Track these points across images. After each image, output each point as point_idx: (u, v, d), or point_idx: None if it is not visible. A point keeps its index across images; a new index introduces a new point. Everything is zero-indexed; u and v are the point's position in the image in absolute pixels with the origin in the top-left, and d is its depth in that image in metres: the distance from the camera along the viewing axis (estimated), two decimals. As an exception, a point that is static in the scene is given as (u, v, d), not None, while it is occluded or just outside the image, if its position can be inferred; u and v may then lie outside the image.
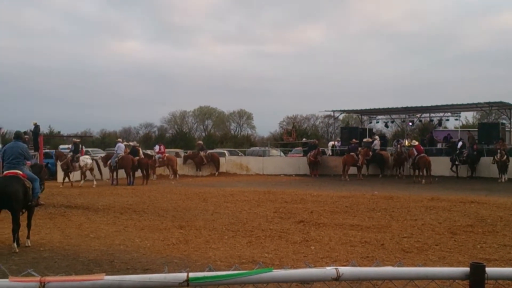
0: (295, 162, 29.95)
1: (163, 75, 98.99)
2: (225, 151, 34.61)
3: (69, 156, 21.71)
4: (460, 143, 24.37)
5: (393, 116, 32.74)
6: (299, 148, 35.67)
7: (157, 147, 27.79)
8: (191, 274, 2.11)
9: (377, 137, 28.82)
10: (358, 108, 31.56)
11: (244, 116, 71.07)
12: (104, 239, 8.81)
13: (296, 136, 43.81)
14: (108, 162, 22.53)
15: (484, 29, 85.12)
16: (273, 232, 9.40)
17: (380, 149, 27.16)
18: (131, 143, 26.14)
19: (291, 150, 37.59)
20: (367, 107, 30.80)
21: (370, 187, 19.27)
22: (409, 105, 29.87)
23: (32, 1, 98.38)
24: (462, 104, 27.53)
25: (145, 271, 6.54)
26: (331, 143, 33.13)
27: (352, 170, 25.31)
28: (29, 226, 8.44)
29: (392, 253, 7.60)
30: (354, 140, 26.45)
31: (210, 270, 2.19)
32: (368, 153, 25.68)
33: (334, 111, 32.55)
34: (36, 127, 25.31)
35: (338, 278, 2.24)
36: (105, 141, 57.72)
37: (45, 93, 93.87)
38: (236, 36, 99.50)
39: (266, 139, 51.98)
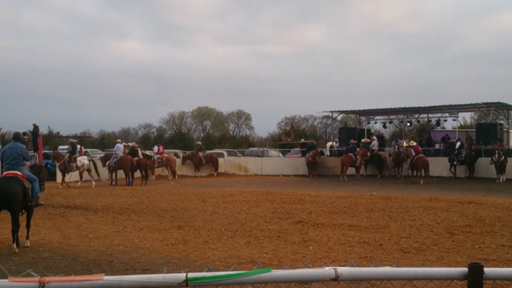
0: (294, 162, 29.96)
1: (163, 75, 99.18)
2: (224, 152, 34.62)
3: (66, 156, 21.69)
4: (458, 144, 24.40)
5: (391, 117, 32.74)
6: (298, 149, 35.70)
7: (156, 148, 27.78)
8: (190, 274, 2.11)
9: (375, 137, 28.83)
10: (357, 108, 31.57)
11: (242, 117, 71.13)
12: (103, 240, 8.80)
13: (294, 136, 43.90)
14: (107, 163, 22.52)
15: (484, 29, 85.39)
16: (271, 232, 9.40)
17: (378, 150, 27.17)
18: (130, 144, 26.13)
19: (289, 151, 37.61)
20: (367, 108, 30.80)
21: (368, 187, 19.28)
22: (408, 106, 29.89)
23: (32, 1, 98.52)
24: (460, 105, 27.55)
25: (144, 271, 6.54)
26: (329, 143, 33.15)
27: (351, 170, 25.34)
28: (28, 226, 8.44)
29: (390, 253, 7.61)
30: (352, 140, 26.45)
31: (209, 270, 2.20)
32: (366, 154, 25.71)
33: (332, 112, 32.55)
34: (35, 127, 25.28)
35: (336, 278, 2.24)
36: (104, 141, 57.71)
37: (45, 93, 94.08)
38: (236, 36, 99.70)
39: (264, 139, 51.97)
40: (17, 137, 9.02)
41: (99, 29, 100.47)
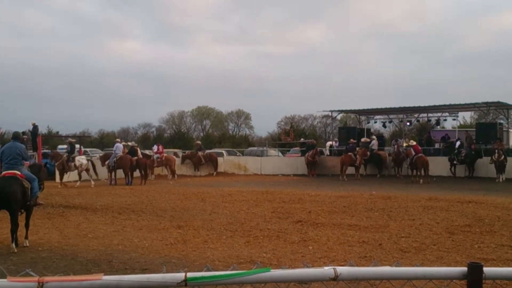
0: (293, 162, 29.96)
1: (163, 75, 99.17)
2: (223, 151, 34.61)
3: (64, 156, 21.68)
4: (458, 143, 24.41)
5: (391, 116, 32.74)
6: (297, 148, 35.69)
7: (155, 147, 27.76)
8: (189, 274, 2.11)
9: (374, 137, 28.84)
10: (357, 108, 31.57)
11: (242, 116, 71.13)
12: (103, 239, 8.80)
13: (294, 136, 43.91)
14: (107, 162, 22.50)
15: (484, 29, 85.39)
16: (271, 232, 9.40)
17: (378, 149, 27.17)
18: (130, 143, 26.11)
19: (289, 150, 37.61)
20: (367, 107, 30.80)
21: (368, 187, 19.28)
22: (407, 105, 29.90)
23: (32, 1, 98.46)
24: (460, 104, 27.54)
25: (144, 271, 6.54)
26: (329, 143, 33.15)
27: (350, 170, 25.34)
28: (27, 226, 8.44)
29: (390, 253, 7.61)
30: (352, 140, 26.46)
31: (208, 270, 2.20)
32: (366, 153, 25.71)
33: (332, 111, 32.56)
34: (35, 127, 25.28)
35: (336, 278, 2.24)
36: (104, 141, 57.66)
37: (45, 93, 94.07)
38: (236, 36, 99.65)
39: (264, 139, 52.02)
40: (16, 136, 9.01)
41: (99, 29, 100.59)
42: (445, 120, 30.97)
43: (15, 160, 8.26)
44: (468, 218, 10.74)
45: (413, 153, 22.57)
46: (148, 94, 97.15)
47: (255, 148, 41.50)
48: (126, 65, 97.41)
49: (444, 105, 28.04)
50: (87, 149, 38.69)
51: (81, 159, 21.78)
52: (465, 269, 2.37)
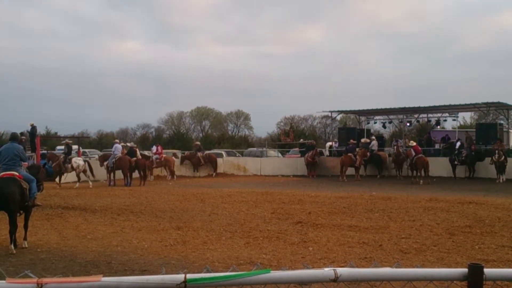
0: (293, 163, 29.96)
1: (163, 76, 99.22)
2: (223, 152, 34.61)
3: (61, 157, 21.67)
4: (458, 144, 24.42)
5: (391, 117, 32.74)
6: (297, 149, 35.69)
7: (154, 148, 27.78)
8: (189, 276, 2.10)
9: (374, 137, 28.84)
10: (357, 108, 31.57)
11: (241, 117, 71.14)
12: (102, 240, 8.79)
13: (293, 137, 43.89)
14: (106, 163, 22.50)
15: (484, 29, 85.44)
16: (271, 233, 9.39)
17: (378, 150, 27.18)
18: (129, 144, 26.11)
19: (288, 151, 37.61)
20: (367, 108, 30.81)
21: (368, 187, 19.28)
22: (407, 106, 29.90)
23: (32, 1, 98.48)
24: (460, 105, 27.56)
25: (143, 272, 6.53)
26: (328, 143, 33.15)
27: (350, 170, 25.34)
28: (26, 227, 8.43)
29: (390, 254, 7.60)
30: (352, 140, 26.46)
31: (208, 271, 2.19)
32: (366, 154, 25.72)
33: (331, 112, 32.58)
34: (33, 128, 25.28)
35: (336, 279, 2.23)
36: (102, 142, 57.73)
37: (45, 93, 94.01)
38: (236, 36, 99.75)
39: (263, 139, 51.95)
40: (14, 137, 9.03)
41: (99, 29, 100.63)
42: (445, 120, 30.98)
43: (13, 161, 8.25)
44: (468, 219, 10.74)
45: (413, 153, 22.56)
46: (148, 94, 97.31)
47: (255, 148, 41.51)
48: (126, 65, 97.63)
49: (444, 106, 28.06)
50: (86, 150, 38.69)
51: (78, 161, 21.78)
52: (465, 270, 2.36)
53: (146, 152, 27.82)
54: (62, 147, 27.23)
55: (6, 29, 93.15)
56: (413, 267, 2.55)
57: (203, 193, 16.80)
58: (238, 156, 35.81)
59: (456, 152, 24.06)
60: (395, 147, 25.69)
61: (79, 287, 2.04)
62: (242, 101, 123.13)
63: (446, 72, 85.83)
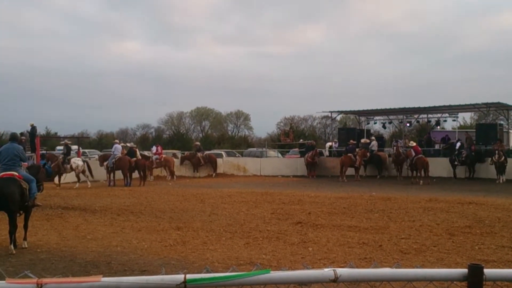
0: (293, 163, 29.95)
1: (163, 76, 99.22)
2: (223, 152, 34.62)
3: (60, 158, 21.66)
4: (458, 144, 24.42)
5: (391, 117, 32.73)
6: (296, 149, 35.70)
7: (154, 148, 27.77)
8: (189, 276, 2.10)
9: (373, 138, 28.84)
10: (357, 108, 31.57)
11: (241, 117, 71.12)
12: (101, 241, 8.79)
13: (293, 137, 43.86)
14: (105, 163, 22.49)
15: (484, 29, 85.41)
16: (270, 233, 9.39)
17: (377, 150, 27.18)
18: (128, 144, 26.10)
19: (288, 151, 37.61)
20: (367, 108, 30.80)
21: (368, 188, 19.27)
22: (407, 106, 29.90)
23: (32, 1, 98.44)
24: (460, 105, 27.56)
25: (143, 272, 6.52)
26: (328, 144, 33.14)
27: (350, 171, 25.34)
28: (26, 227, 8.43)
29: (390, 254, 7.60)
30: (351, 141, 26.46)
31: (208, 271, 2.19)
32: (366, 154, 25.72)
33: (331, 112, 32.57)
34: (33, 128, 25.29)
35: (336, 280, 2.23)
36: (102, 142, 57.72)
37: (45, 93, 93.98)
38: (236, 37, 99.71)
39: (263, 140, 51.94)
40: (13, 137, 9.02)
41: (99, 29, 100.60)
42: (445, 121, 30.98)
43: (12, 161, 8.26)
44: (468, 219, 10.74)
45: (413, 154, 22.56)
46: (148, 95, 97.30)
47: (255, 149, 41.51)
48: (126, 65, 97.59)
49: (444, 106, 28.06)
50: (86, 150, 38.67)
51: (77, 161, 21.78)
52: (465, 270, 2.36)
53: (146, 153, 27.81)
54: (62, 147, 27.27)
55: (6, 29, 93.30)
56: (413, 267, 2.55)
57: (203, 194, 16.80)
58: (238, 156, 35.83)
59: (456, 152, 24.08)
60: (395, 147, 25.68)
61: (79, 287, 2.04)
62: (242, 101, 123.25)
63: (446, 72, 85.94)
